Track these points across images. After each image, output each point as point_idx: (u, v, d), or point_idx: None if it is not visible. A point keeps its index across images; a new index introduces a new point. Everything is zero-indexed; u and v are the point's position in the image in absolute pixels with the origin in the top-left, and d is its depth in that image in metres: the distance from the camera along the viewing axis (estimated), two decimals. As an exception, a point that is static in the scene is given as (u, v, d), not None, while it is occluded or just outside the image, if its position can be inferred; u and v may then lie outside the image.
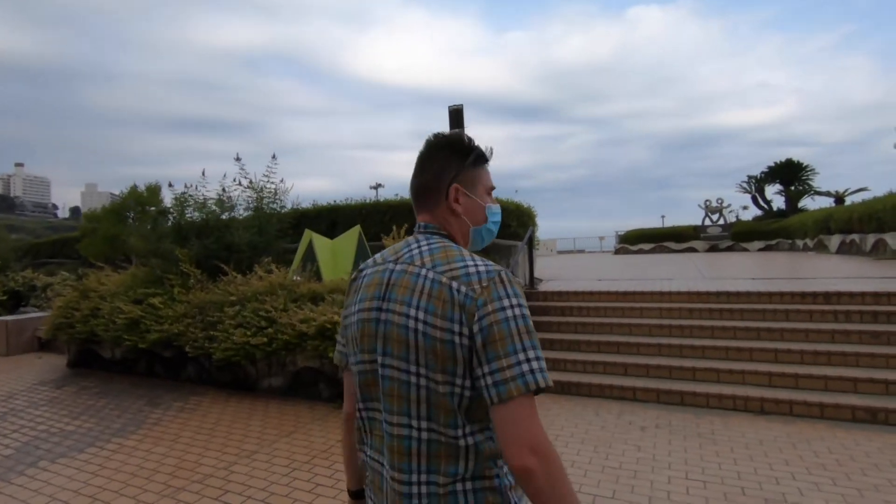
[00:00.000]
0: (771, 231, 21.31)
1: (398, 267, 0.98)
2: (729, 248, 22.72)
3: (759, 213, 25.27)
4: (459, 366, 0.87)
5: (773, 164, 24.56)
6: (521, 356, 0.83)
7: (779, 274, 8.52)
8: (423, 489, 0.89)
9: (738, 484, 3.18)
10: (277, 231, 7.75)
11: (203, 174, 7.54)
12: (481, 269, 0.91)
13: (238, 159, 7.36)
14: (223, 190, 7.45)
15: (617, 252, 26.25)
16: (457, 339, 0.86)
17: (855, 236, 13.43)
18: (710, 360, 5.14)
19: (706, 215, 24.75)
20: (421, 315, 0.89)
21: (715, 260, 14.66)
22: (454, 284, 0.89)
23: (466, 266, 0.91)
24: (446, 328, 0.87)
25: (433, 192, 1.04)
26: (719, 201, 24.73)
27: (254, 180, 7.53)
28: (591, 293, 6.90)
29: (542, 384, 0.83)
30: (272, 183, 7.64)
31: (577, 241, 40.03)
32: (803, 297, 5.76)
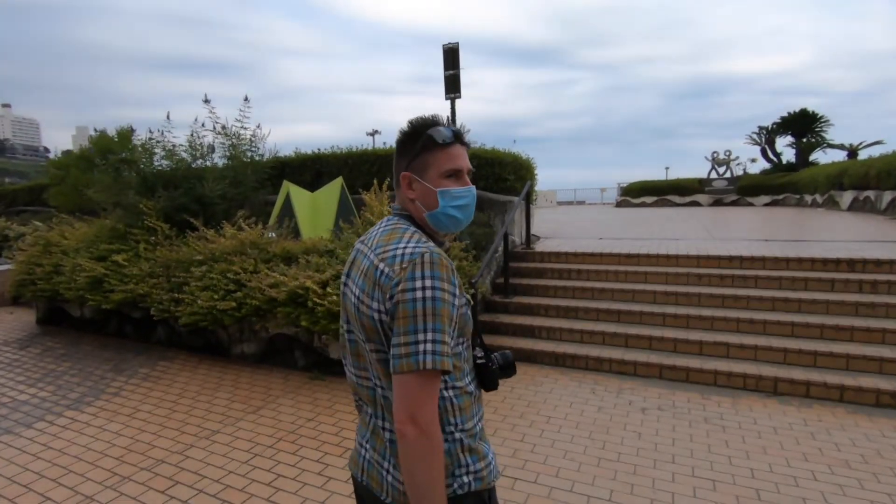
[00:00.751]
0: (779, 185, 20.58)
1: (359, 247, 1.14)
2: (734, 203, 22.09)
3: (767, 166, 24.40)
4: (383, 337, 1.00)
5: (786, 115, 23.43)
6: (420, 336, 0.93)
7: (792, 234, 8.00)
8: (387, 434, 1.06)
9: (752, 485, 2.80)
10: (255, 182, 7.14)
11: (168, 117, 6.83)
12: (408, 250, 0.99)
13: (207, 101, 6.63)
14: (193, 136, 6.77)
15: (618, 205, 25.61)
16: (376, 315, 1.00)
17: (870, 193, 12.79)
18: (720, 332, 4.72)
19: (712, 167, 23.91)
20: (358, 292, 1.04)
21: (721, 215, 14.10)
22: (380, 266, 1.00)
23: (396, 248, 1.01)
24: (372, 305, 1.00)
25: (396, 180, 1.13)
26: (727, 153, 23.81)
27: (227, 125, 6.83)
28: (592, 255, 6.40)
29: (430, 365, 0.92)
30: (246, 129, 6.94)
31: (577, 193, 39.24)
32: (825, 263, 5.28)
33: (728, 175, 23.54)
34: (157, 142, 6.68)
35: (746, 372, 4.11)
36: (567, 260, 6.51)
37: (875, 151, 20.99)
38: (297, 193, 6.64)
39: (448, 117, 1.13)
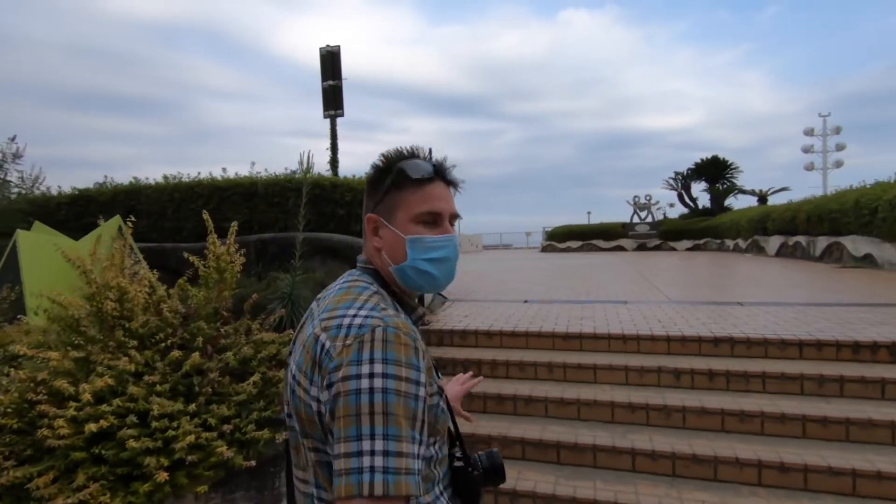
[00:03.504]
0: (699, 230, 20.33)
1: (313, 305, 0.89)
2: (657, 247, 21.64)
3: (685, 210, 24.52)
4: (323, 434, 0.75)
5: (699, 161, 23.84)
6: (365, 445, 0.66)
7: (774, 291, 6.43)
8: None
9: None
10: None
11: None
12: (356, 321, 0.75)
13: None
14: None
15: (544, 249, 24.51)
16: (313, 404, 0.74)
17: (800, 238, 12.08)
18: (730, 486, 2.65)
19: (634, 212, 23.61)
20: (295, 369, 0.79)
21: (652, 262, 12.86)
22: (322, 337, 0.75)
23: (344, 315, 0.76)
24: (309, 391, 0.75)
25: (363, 223, 0.91)
26: (647, 198, 23.69)
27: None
28: (515, 334, 4.26)
29: (381, 490, 0.65)
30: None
31: (503, 237, 38.47)
32: (855, 349, 3.47)
33: (650, 219, 23.29)
34: None
35: None
36: (478, 343, 4.31)
37: (788, 198, 21.59)
38: (34, 244, 3.98)
39: (429, 150, 0.89)
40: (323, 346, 0.74)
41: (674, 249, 20.89)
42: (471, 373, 1.34)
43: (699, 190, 24.55)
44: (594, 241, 22.77)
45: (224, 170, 6.12)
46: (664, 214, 25.10)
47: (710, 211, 22.48)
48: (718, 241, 18.85)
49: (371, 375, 0.68)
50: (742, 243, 16.17)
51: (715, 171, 23.32)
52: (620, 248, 22.11)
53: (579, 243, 22.97)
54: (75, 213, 6.56)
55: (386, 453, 0.65)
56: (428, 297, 5.48)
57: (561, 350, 4.04)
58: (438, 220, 0.86)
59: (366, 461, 0.65)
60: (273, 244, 5.21)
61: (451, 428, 0.94)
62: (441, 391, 0.84)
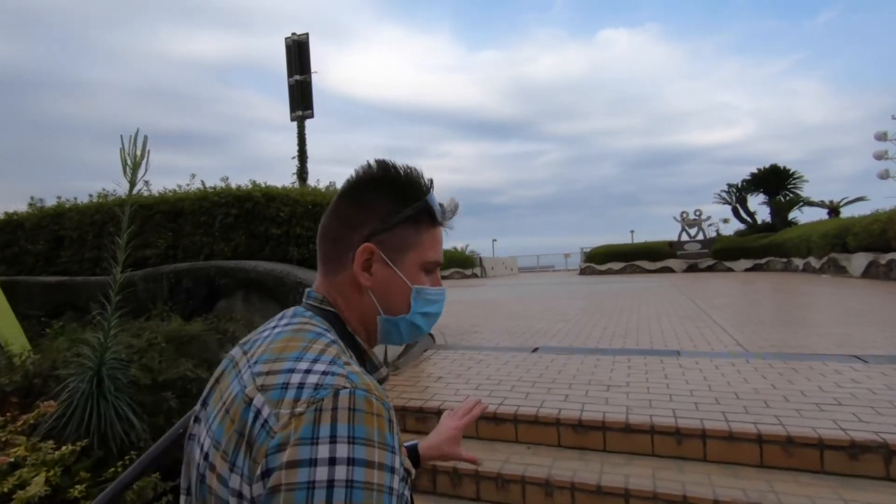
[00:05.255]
0: (760, 248, 17.90)
1: (234, 353, 0.63)
2: (710, 268, 19.29)
3: (742, 226, 21.99)
4: None
5: (756, 171, 21.39)
6: None
7: (883, 325, 4.57)
8: None
9: None
10: None
11: None
12: (312, 379, 0.51)
13: None
14: None
15: (582, 272, 22.53)
16: (232, 500, 0.50)
17: (897, 256, 9.84)
18: None
19: (683, 229, 21.32)
20: (209, 445, 0.54)
21: (708, 286, 10.86)
22: (256, 400, 0.51)
23: (293, 371, 0.52)
24: (227, 479, 0.50)
25: (336, 246, 0.66)
26: (697, 213, 21.37)
27: None
28: (497, 417, 2.70)
29: None
30: None
31: (540, 258, 36.61)
32: None
33: (700, 237, 20.95)
34: None
35: None
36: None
37: (859, 209, 18.87)
38: None
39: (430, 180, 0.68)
40: (258, 413, 0.49)
41: (730, 270, 18.52)
42: (472, 398, 0.99)
43: (757, 203, 22.03)
44: (638, 263, 20.62)
45: (179, 187, 4.94)
46: (717, 231, 22.67)
47: (771, 226, 19.95)
48: (784, 259, 16.43)
49: (332, 461, 0.45)
50: (815, 262, 13.84)
51: (775, 181, 20.83)
52: (668, 270, 19.90)
53: (621, 265, 20.88)
54: (3, 241, 5.58)
55: None
56: (396, 347, 4.01)
57: (571, 449, 2.46)
58: (435, 270, 0.69)
59: None
60: (188, 276, 3.93)
61: None
62: (408, 477, 0.58)
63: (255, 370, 0.54)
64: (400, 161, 0.66)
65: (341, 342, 0.61)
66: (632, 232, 28.59)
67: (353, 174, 0.67)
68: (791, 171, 20.97)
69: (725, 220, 23.25)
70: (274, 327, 0.62)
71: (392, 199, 0.64)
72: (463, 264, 23.19)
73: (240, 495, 0.49)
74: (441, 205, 0.68)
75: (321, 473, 0.45)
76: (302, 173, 5.71)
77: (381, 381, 0.67)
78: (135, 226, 4.67)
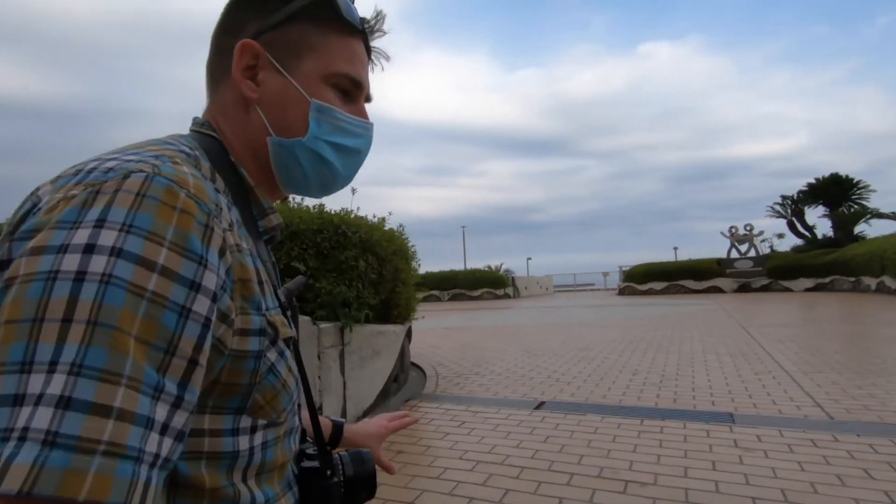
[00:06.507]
0: (822, 265, 16.10)
1: None
2: (765, 288, 17.55)
3: (799, 241, 20.08)
4: None
5: (814, 182, 19.53)
6: (33, 383, 0.29)
7: None
8: None
9: None
10: None
11: None
12: (108, 164, 0.37)
13: None
14: None
15: (621, 292, 21.12)
16: None
17: None
18: None
19: (732, 245, 19.64)
20: None
21: (765, 311, 9.49)
22: (43, 190, 0.39)
23: (97, 160, 0.39)
24: None
25: (216, 51, 0.52)
26: (748, 228, 19.64)
27: None
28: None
29: (44, 488, 0.27)
30: None
31: (577, 277, 35.12)
32: None
33: (752, 254, 19.19)
34: None
35: None
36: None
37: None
38: None
39: None
40: (37, 202, 0.37)
41: (788, 290, 16.77)
42: (405, 412, 0.85)
43: (816, 216, 20.13)
44: (682, 282, 19.06)
45: None
46: (771, 247, 20.79)
47: (834, 241, 18.05)
48: (851, 279, 14.65)
49: (88, 249, 0.32)
50: (891, 282, 12.15)
51: (837, 192, 18.93)
52: (716, 290, 18.28)
53: (663, 284, 19.36)
54: None
55: (68, 403, 0.28)
56: (376, 376, 3.19)
57: None
58: (356, 93, 0.53)
59: (23, 416, 0.28)
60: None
61: (300, 405, 0.53)
62: (275, 335, 0.44)
63: (69, 169, 0.40)
64: None
65: (204, 165, 0.44)
66: (675, 249, 26.87)
67: None
68: (855, 181, 19.04)
69: (780, 235, 21.43)
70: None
71: None
72: (495, 284, 22.19)
73: None
74: (375, 15, 0.54)
75: (69, 262, 0.31)
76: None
77: (270, 231, 0.52)
78: None
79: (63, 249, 0.32)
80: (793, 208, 20.23)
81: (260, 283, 0.43)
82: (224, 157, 0.49)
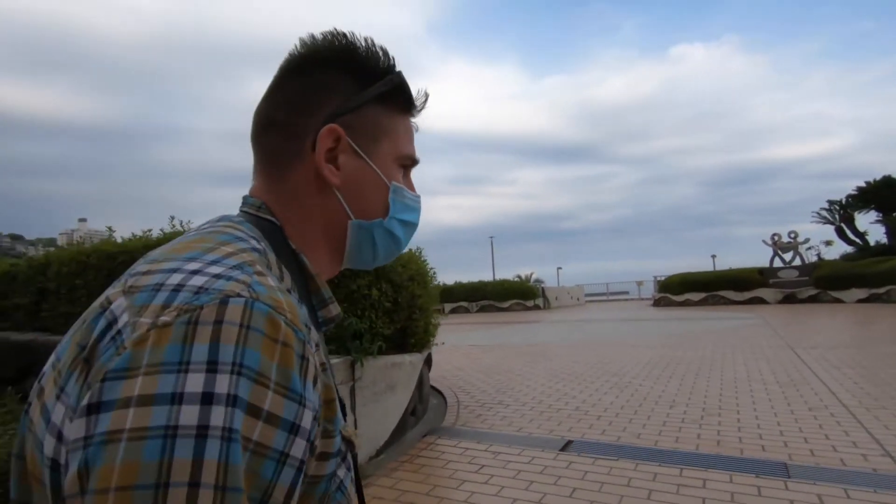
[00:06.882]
0: (877, 274, 15.03)
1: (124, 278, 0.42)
2: (812, 298, 16.53)
3: (849, 249, 18.89)
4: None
5: (864, 185, 18.38)
6: None
7: None
8: None
9: None
10: None
11: None
12: (196, 281, 0.35)
13: None
14: None
15: (656, 303, 20.33)
16: (48, 441, 0.34)
17: None
18: None
19: (775, 253, 18.65)
20: (48, 368, 0.38)
21: (815, 327, 8.82)
22: (116, 304, 0.35)
23: (177, 269, 0.36)
24: (49, 404, 0.35)
25: (282, 136, 0.50)
26: (792, 235, 18.63)
27: None
28: None
29: None
30: None
31: (610, 286, 34.13)
32: None
33: (798, 262, 18.16)
34: None
35: None
36: None
37: None
38: None
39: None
40: (113, 320, 0.33)
41: (838, 301, 15.74)
42: None
43: (867, 222, 18.88)
44: (722, 293, 18.17)
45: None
46: (818, 255, 19.69)
47: (889, 248, 16.87)
48: (911, 289, 13.61)
49: (207, 399, 0.30)
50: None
51: (890, 195, 17.74)
52: (758, 301, 17.34)
53: (701, 295, 18.50)
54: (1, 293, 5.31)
55: None
56: (390, 411, 3.00)
57: None
58: (411, 168, 0.57)
59: None
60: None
61: None
62: (347, 450, 0.43)
63: (133, 271, 0.38)
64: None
65: (272, 258, 0.44)
66: (713, 257, 25.72)
67: (296, 47, 0.51)
68: (911, 183, 17.80)
69: (828, 243, 20.22)
70: (185, 233, 0.46)
71: (353, 74, 0.50)
72: (524, 295, 21.74)
73: (59, 436, 0.32)
74: (421, 92, 0.55)
75: (188, 416, 0.29)
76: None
77: (328, 322, 0.50)
78: (82, 279, 4.23)
79: (178, 399, 0.29)
80: (841, 213, 19.09)
81: (335, 393, 0.41)
82: (285, 245, 0.47)
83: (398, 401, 3.43)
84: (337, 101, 0.49)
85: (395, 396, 3.40)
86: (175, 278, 0.35)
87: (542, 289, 23.18)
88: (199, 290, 0.33)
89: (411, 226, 0.56)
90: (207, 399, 0.29)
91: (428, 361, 4.25)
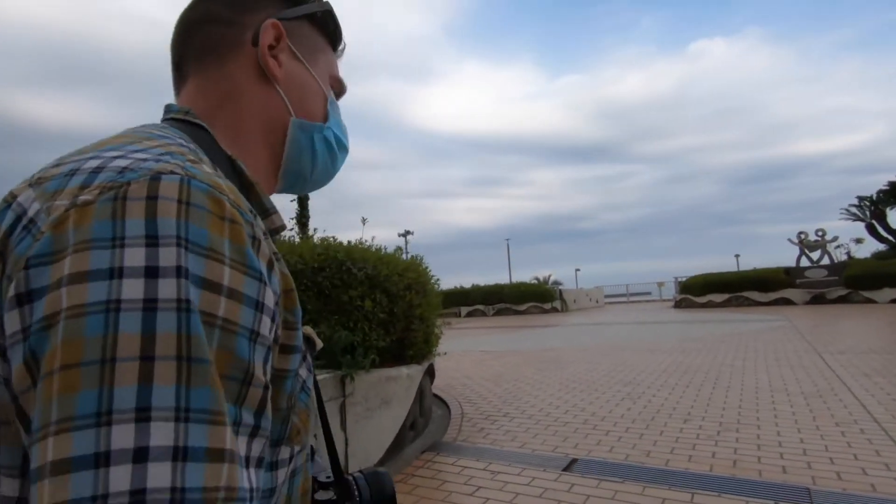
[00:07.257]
0: (912, 273, 14.38)
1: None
2: (842, 299, 15.88)
3: (881, 247, 18.13)
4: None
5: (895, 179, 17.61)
6: (118, 437, 0.25)
7: None
8: None
9: None
10: None
11: None
12: (119, 163, 0.32)
13: None
14: None
15: (677, 305, 19.83)
16: None
17: None
18: None
19: (802, 252, 18.00)
20: None
21: (846, 331, 8.40)
22: (23, 196, 0.32)
23: (96, 158, 0.33)
24: None
25: (224, 26, 0.48)
26: (820, 233, 17.95)
27: None
28: None
29: None
30: None
31: (630, 287, 33.47)
32: None
33: (826, 261, 17.49)
34: None
35: None
36: None
37: None
38: None
39: None
40: (22, 213, 0.31)
41: (870, 301, 15.08)
42: None
43: (901, 218, 18.09)
44: (746, 294, 17.61)
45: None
46: (848, 254, 18.93)
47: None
48: (949, 288, 12.95)
49: (151, 272, 0.27)
50: None
51: (924, 190, 16.96)
52: (784, 301, 16.74)
53: (724, 296, 17.96)
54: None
55: (186, 453, 0.26)
56: (385, 427, 2.86)
57: None
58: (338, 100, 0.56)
59: (120, 478, 0.24)
60: None
61: (315, 425, 0.49)
62: (308, 346, 0.43)
63: (42, 169, 0.34)
64: None
65: (205, 160, 0.38)
66: (736, 256, 25.08)
67: None
68: (946, 177, 16.99)
69: (859, 241, 19.43)
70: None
71: None
72: (542, 298, 21.44)
73: None
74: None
75: (131, 289, 0.26)
76: (302, 218, 4.85)
77: (274, 234, 0.44)
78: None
79: (117, 274, 0.27)
80: (872, 210, 18.34)
81: (292, 283, 0.39)
82: (218, 150, 0.43)
83: (394, 416, 3.30)
84: (276, 6, 0.49)
85: (391, 411, 3.27)
86: (92, 163, 0.31)
87: (560, 291, 22.82)
88: (124, 170, 0.30)
89: (344, 149, 0.54)
90: (152, 273, 0.27)
91: (430, 372, 4.11)
